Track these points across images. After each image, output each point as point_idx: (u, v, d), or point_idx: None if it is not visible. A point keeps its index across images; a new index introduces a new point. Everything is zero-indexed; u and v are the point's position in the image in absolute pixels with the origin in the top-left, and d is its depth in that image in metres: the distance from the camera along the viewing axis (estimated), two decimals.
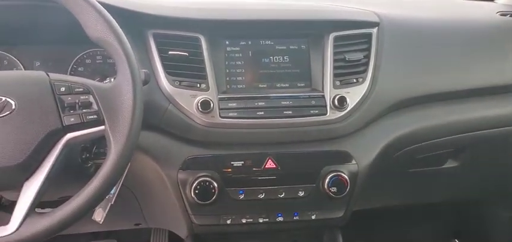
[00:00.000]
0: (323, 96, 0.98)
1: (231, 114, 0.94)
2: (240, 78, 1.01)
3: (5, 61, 1.02)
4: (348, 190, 0.98)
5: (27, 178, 0.71)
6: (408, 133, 1.05)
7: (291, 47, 1.04)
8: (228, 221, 1.00)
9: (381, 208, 1.35)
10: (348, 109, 0.97)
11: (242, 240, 1.10)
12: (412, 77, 1.06)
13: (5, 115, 0.70)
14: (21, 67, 1.03)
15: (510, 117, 1.10)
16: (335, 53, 1.01)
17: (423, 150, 1.09)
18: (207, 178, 0.94)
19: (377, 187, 1.19)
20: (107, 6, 0.77)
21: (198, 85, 0.95)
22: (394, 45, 1.06)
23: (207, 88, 0.95)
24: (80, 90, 0.74)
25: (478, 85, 1.09)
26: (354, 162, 1.00)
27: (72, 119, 0.73)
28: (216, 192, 0.94)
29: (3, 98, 0.72)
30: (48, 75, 0.75)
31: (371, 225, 1.64)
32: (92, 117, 0.73)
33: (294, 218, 1.01)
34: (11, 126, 0.70)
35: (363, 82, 1.00)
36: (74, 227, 1.20)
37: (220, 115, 0.94)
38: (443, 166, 1.17)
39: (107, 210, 0.91)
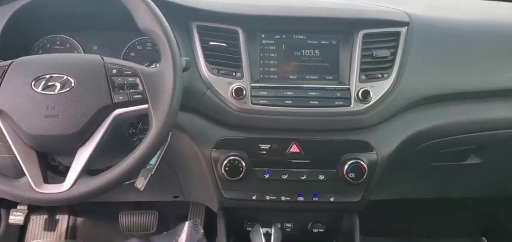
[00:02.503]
0: (348, 89, 1.05)
1: (261, 102, 1.04)
2: (273, 69, 1.10)
3: (67, 44, 1.16)
4: (365, 176, 1.06)
5: (81, 146, 0.84)
6: (429, 129, 1.10)
7: (322, 42, 1.11)
8: (254, 197, 1.10)
9: (406, 200, 1.40)
10: (371, 102, 1.04)
11: (266, 217, 1.20)
12: (436, 76, 1.10)
13: (66, 91, 0.83)
14: (81, 50, 1.17)
15: None
16: (363, 49, 1.07)
17: (445, 145, 1.14)
18: (237, 158, 1.05)
19: (400, 178, 1.26)
20: (155, 0, 0.88)
21: (234, 74, 1.04)
22: (422, 45, 1.11)
23: (242, 77, 1.04)
24: (129, 72, 0.86)
25: (501, 87, 1.11)
26: (373, 151, 1.07)
27: (121, 97, 0.84)
28: (244, 170, 1.05)
29: (65, 76, 0.84)
30: (102, 58, 0.87)
31: (395, 216, 1.68)
32: (138, 96, 0.85)
33: (314, 199, 1.10)
34: (71, 101, 0.82)
35: (387, 78, 1.06)
36: (120, 195, 1.35)
37: (251, 102, 1.03)
38: (465, 162, 1.21)
39: (147, 179, 1.03)
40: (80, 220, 1.87)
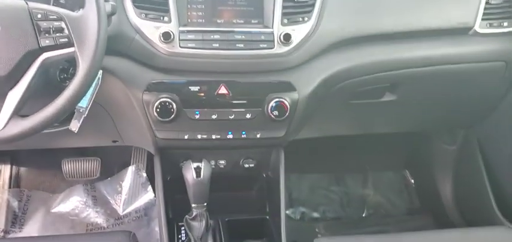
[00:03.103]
0: (272, 32, 1.11)
1: (189, 45, 1.09)
2: (200, 13, 1.14)
3: None
4: (288, 114, 1.15)
5: (11, 88, 0.87)
6: (346, 69, 1.19)
7: None
8: (186, 137, 1.17)
9: (333, 137, 1.52)
10: (293, 45, 1.11)
11: (200, 155, 1.28)
12: (352, 19, 1.18)
13: None
14: None
15: (439, 58, 1.24)
16: None
17: (361, 84, 1.24)
18: (167, 99, 1.10)
19: (322, 117, 1.36)
20: None
21: (162, 18, 1.08)
22: None
23: (169, 21, 1.08)
24: (54, 17, 0.88)
25: (412, 29, 1.21)
26: (295, 91, 1.16)
27: (47, 41, 0.87)
28: (175, 111, 1.11)
29: None
30: (27, 3, 0.89)
31: (322, 153, 1.82)
32: (64, 40, 0.88)
33: (242, 136, 1.19)
34: None
35: (307, 21, 1.13)
36: (60, 140, 1.37)
37: (180, 46, 1.08)
38: (381, 99, 1.32)
39: (80, 122, 1.08)
40: (23, 169, 1.88)
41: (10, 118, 0.87)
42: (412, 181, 2.00)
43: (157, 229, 1.71)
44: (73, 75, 1.05)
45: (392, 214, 1.93)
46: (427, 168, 1.85)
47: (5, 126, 0.87)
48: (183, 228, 1.18)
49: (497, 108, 1.45)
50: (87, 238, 1.09)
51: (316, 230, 1.83)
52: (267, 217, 1.32)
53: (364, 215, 1.94)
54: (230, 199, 1.40)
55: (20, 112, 0.89)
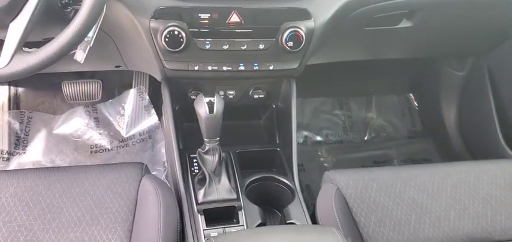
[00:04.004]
0: None
1: None
2: None
3: None
4: (303, 45, 1.10)
5: (12, 20, 0.81)
6: None
7: None
8: (196, 68, 1.12)
9: (340, 62, 1.48)
10: None
11: (209, 85, 1.24)
12: None
13: None
14: None
15: None
16: None
17: (378, 10, 1.18)
18: (176, 28, 1.04)
19: (336, 43, 1.31)
20: None
21: None
22: None
23: None
24: None
25: None
26: (311, 19, 1.10)
27: None
28: (184, 41, 1.05)
29: None
30: None
31: (330, 77, 1.79)
32: None
33: (254, 67, 1.15)
34: None
35: None
36: (62, 66, 1.32)
37: None
38: (397, 26, 1.27)
39: (86, 52, 1.02)
40: (21, 89, 1.83)
41: (14, 53, 0.81)
42: (416, 104, 2.00)
43: (163, 150, 1.71)
44: (75, 0, 0.99)
45: (394, 137, 1.95)
46: (433, 92, 1.85)
47: (9, 62, 0.81)
48: (195, 161, 1.17)
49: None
50: (99, 169, 1.08)
51: (319, 153, 1.86)
52: (278, 149, 1.31)
53: (366, 138, 1.95)
54: (239, 129, 1.38)
55: (23, 45, 0.83)
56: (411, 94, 2.01)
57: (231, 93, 1.28)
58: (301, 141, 1.89)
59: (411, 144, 1.94)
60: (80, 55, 1.03)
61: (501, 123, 1.52)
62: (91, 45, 1.03)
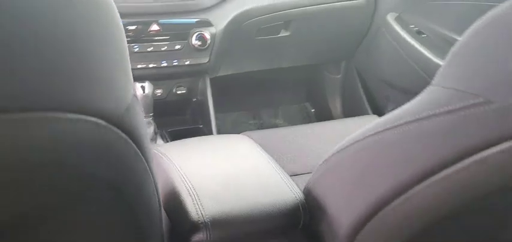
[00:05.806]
0: None
1: None
2: None
3: None
4: (208, 43, 1.52)
5: None
6: (249, 9, 1.58)
7: None
8: None
9: (249, 77, 1.89)
10: None
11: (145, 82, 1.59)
12: None
13: None
14: None
15: None
16: None
17: (262, 22, 1.64)
18: None
19: (239, 53, 1.73)
20: None
21: None
22: None
23: None
24: None
25: None
26: (213, 26, 1.53)
27: None
28: None
29: None
30: None
31: (245, 92, 2.18)
32: None
33: (174, 63, 1.54)
34: None
35: None
36: None
37: None
38: (278, 35, 1.73)
39: None
40: None
41: None
42: (313, 110, 2.44)
43: None
44: None
45: None
46: (322, 97, 2.27)
47: None
48: None
49: (365, 39, 1.91)
50: None
51: None
52: (201, 126, 1.69)
53: None
54: (169, 123, 1.75)
55: None
56: (308, 103, 2.44)
57: (159, 91, 1.64)
58: None
59: None
60: None
61: (370, 104, 1.97)
62: None
